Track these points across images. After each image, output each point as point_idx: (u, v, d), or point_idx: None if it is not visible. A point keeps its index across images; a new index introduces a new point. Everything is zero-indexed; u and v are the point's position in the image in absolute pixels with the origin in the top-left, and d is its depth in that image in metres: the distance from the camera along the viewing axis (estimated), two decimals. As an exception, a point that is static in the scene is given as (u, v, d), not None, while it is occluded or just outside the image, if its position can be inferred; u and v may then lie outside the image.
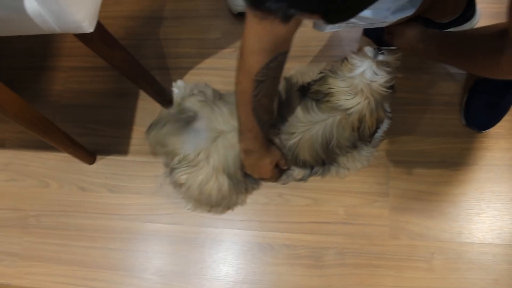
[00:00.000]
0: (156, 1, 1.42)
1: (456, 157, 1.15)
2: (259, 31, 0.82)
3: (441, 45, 0.95)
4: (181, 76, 1.32)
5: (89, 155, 1.23)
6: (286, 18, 0.46)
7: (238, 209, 1.17)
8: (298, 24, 0.83)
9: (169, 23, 1.40)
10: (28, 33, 0.94)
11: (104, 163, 1.25)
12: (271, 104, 0.97)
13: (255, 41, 0.83)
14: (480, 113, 1.14)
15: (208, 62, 1.34)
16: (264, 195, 1.18)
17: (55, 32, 0.90)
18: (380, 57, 0.93)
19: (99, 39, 0.96)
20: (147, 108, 1.29)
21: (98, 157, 1.26)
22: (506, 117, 1.15)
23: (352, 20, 0.89)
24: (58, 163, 1.26)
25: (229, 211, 1.17)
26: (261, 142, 1.00)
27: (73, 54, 1.39)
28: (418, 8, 0.89)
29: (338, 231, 1.13)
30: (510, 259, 1.06)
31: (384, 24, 0.91)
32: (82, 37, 0.94)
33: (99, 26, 0.93)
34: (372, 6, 0.78)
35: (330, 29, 1.01)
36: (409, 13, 0.88)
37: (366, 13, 0.86)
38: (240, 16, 1.36)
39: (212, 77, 1.30)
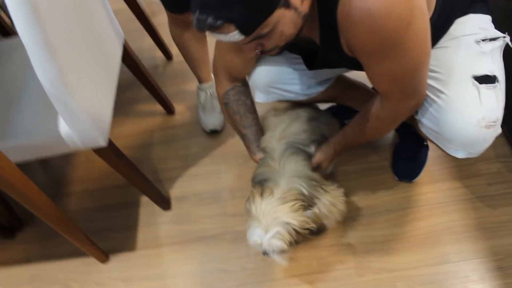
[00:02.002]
0: (146, 132, 1.82)
1: (397, 204, 1.46)
2: (222, 59, 1.20)
3: (348, 143, 1.20)
4: (172, 184, 1.64)
5: (103, 255, 1.48)
6: (213, 28, 0.77)
7: (230, 275, 1.40)
8: (250, 61, 1.20)
9: (158, 146, 1.78)
10: (57, 152, 1.26)
11: (116, 260, 1.49)
12: (242, 120, 1.25)
13: (220, 67, 1.22)
14: (405, 168, 1.48)
15: (192, 170, 1.68)
16: (252, 262, 1.42)
17: (78, 149, 1.24)
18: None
19: (110, 151, 1.30)
20: (148, 213, 1.59)
21: (111, 255, 1.50)
22: (427, 168, 1.49)
23: (279, 92, 1.27)
24: (77, 267, 1.50)
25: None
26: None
27: (81, 181, 1.73)
28: (331, 88, 1.28)
29: (314, 279, 1.36)
30: (458, 275, 1.30)
31: (305, 97, 1.28)
32: (98, 151, 1.28)
33: (110, 141, 1.28)
34: (291, 81, 1.18)
35: (263, 100, 1.32)
36: (322, 88, 1.27)
37: (287, 86, 1.24)
38: (212, 133, 1.76)
39: (196, 180, 1.65)
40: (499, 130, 1.04)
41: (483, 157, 1.50)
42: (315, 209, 1.11)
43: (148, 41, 2.06)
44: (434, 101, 1.05)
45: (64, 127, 1.18)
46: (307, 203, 1.09)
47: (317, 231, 1.13)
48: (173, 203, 1.60)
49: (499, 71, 1.04)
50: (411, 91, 0.98)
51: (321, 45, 1.00)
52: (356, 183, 1.52)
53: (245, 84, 1.28)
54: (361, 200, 1.48)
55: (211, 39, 1.27)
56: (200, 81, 1.79)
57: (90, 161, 1.77)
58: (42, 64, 0.99)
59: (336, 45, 0.94)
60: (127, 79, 1.79)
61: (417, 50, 0.88)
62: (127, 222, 1.58)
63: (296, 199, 1.07)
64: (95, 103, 1.20)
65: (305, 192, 1.10)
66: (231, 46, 1.13)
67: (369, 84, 1.44)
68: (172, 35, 1.63)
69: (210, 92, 1.78)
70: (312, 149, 1.22)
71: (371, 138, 1.20)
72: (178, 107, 1.90)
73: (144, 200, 1.61)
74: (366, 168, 1.55)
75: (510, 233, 1.34)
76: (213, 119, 1.76)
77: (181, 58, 1.76)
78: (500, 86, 1.03)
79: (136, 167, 1.43)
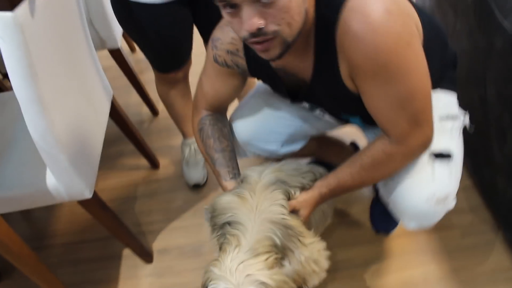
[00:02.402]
0: (131, 185, 1.85)
1: (375, 257, 1.49)
2: (206, 89, 1.20)
3: (341, 185, 1.07)
4: (154, 237, 1.66)
5: (83, 309, 1.47)
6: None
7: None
8: (237, 89, 1.19)
9: (142, 199, 1.81)
10: (42, 204, 1.29)
11: (96, 315, 1.49)
12: (216, 144, 1.20)
13: (201, 98, 1.22)
14: (381, 222, 1.53)
15: (175, 224, 1.71)
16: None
17: (63, 200, 1.27)
18: None
19: (95, 203, 1.33)
20: (129, 265, 1.59)
21: (91, 310, 1.50)
22: (402, 221, 1.54)
23: (255, 150, 1.29)
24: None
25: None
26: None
27: (63, 233, 1.73)
28: (307, 146, 1.34)
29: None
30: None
31: (280, 155, 1.31)
32: (83, 202, 1.30)
33: (94, 193, 1.31)
34: (266, 141, 1.21)
35: (241, 155, 1.33)
36: (296, 148, 1.32)
37: (263, 145, 1.27)
38: (195, 187, 1.80)
39: (179, 233, 1.67)
40: (450, 205, 1.08)
41: (457, 209, 1.54)
42: (290, 264, 0.97)
43: (135, 97, 2.14)
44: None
45: (51, 179, 1.21)
46: (281, 255, 0.95)
47: None
48: (155, 256, 1.61)
49: (456, 148, 1.08)
50: (420, 117, 0.93)
51: (314, 74, 0.98)
52: (335, 237, 1.56)
53: (224, 115, 1.28)
54: (340, 253, 1.51)
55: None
56: (185, 136, 1.85)
57: (73, 214, 1.79)
58: (34, 118, 1.04)
59: (333, 73, 0.93)
60: (113, 133, 1.85)
61: (419, 71, 0.89)
62: (108, 275, 1.58)
63: (269, 252, 0.92)
64: (82, 155, 1.25)
65: (278, 242, 0.95)
66: (219, 72, 1.15)
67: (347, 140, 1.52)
68: (158, 93, 1.71)
69: (194, 147, 1.84)
70: (297, 193, 1.08)
71: (373, 178, 1.06)
72: (163, 161, 1.95)
73: (126, 252, 1.62)
74: (344, 221, 1.60)
75: (484, 284, 1.38)
76: (196, 173, 1.80)
77: (167, 114, 1.83)
78: (455, 163, 1.07)
79: (120, 219, 1.45)
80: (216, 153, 1.19)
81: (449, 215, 1.54)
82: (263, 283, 0.86)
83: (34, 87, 0.98)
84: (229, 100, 1.26)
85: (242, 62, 1.10)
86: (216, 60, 1.13)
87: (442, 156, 1.05)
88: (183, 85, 1.69)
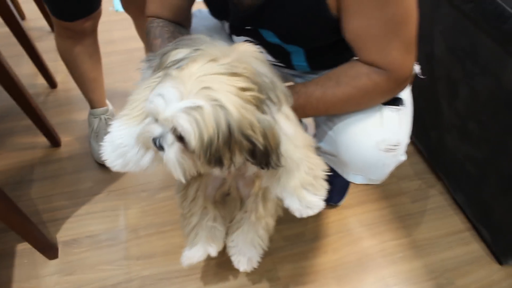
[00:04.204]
0: (25, 167, 1.50)
1: (325, 230, 1.33)
2: None
3: (307, 98, 0.89)
4: (58, 227, 1.34)
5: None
6: None
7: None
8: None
9: (39, 183, 1.46)
10: None
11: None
12: (163, 44, 0.93)
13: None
14: (328, 192, 1.37)
15: (85, 209, 1.39)
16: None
17: None
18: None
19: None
20: (27, 264, 1.25)
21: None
22: (352, 190, 1.40)
23: None
24: None
25: None
26: None
27: None
28: None
29: (244, 322, 1.15)
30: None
31: None
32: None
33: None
34: None
35: None
36: None
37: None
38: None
39: (90, 220, 1.37)
40: (401, 157, 0.95)
41: (403, 175, 1.49)
42: (271, 117, 0.68)
43: (28, 67, 1.79)
44: (333, 122, 0.95)
45: None
46: (265, 96, 0.68)
47: (263, 155, 0.67)
48: (61, 249, 1.28)
49: (405, 96, 0.98)
50: (411, 44, 0.83)
51: None
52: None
53: (183, 26, 1.03)
54: (287, 229, 1.33)
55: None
56: (93, 106, 1.55)
57: None
58: None
59: None
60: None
61: None
62: (-2, 277, 1.23)
63: (251, 81, 0.66)
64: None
65: (266, 79, 0.69)
66: None
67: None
68: (59, 51, 1.39)
69: (104, 118, 1.54)
70: None
71: (344, 104, 0.89)
72: (65, 139, 1.61)
73: (21, 248, 1.28)
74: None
75: (441, 249, 1.29)
76: (108, 149, 1.51)
77: (66, 86, 1.52)
78: (405, 110, 0.96)
79: (15, 204, 1.12)
80: None
81: (397, 181, 1.46)
82: (221, 105, 0.62)
83: None
84: (181, 9, 1.00)
85: None
86: None
87: (391, 102, 0.93)
88: (91, 41, 1.39)
